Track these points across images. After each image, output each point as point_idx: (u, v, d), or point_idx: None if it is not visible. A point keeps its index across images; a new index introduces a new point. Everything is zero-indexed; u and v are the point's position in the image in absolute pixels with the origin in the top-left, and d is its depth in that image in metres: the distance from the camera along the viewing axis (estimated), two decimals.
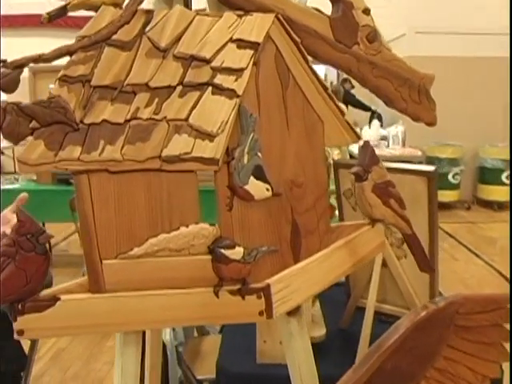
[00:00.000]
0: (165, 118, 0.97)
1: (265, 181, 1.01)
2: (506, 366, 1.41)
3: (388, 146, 8.49)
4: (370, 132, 8.59)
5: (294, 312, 1.10)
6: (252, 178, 1.00)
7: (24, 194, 1.48)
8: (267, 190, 1.02)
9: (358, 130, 1.25)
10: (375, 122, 8.80)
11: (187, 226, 0.97)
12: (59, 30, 7.54)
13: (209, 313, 0.99)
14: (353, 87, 8.70)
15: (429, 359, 1.24)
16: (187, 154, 0.93)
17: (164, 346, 2.44)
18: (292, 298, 1.04)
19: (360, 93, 8.57)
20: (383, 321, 1.94)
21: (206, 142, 0.94)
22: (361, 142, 1.27)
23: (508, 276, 5.33)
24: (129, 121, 0.96)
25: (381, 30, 1.20)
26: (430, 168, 1.90)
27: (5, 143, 7.53)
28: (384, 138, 8.60)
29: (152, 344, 1.43)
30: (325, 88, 1.16)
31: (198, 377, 2.55)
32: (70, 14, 1.09)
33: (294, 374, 1.15)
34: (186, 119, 0.96)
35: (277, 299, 1.00)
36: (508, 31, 7.11)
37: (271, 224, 1.08)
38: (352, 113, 8.19)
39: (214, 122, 0.96)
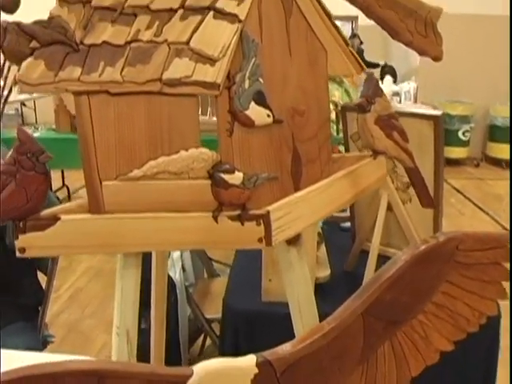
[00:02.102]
0: (166, 40, 0.96)
1: (266, 106, 1.01)
2: (503, 305, 1.43)
3: (400, 101, 8.43)
4: (383, 87, 8.51)
5: (294, 241, 1.10)
6: (253, 103, 0.99)
7: None
8: (268, 116, 1.01)
9: None
10: (388, 78, 8.73)
11: (187, 150, 0.97)
12: None
13: (208, 237, 1.00)
14: (361, 43, 8.61)
15: (427, 293, 1.25)
16: (188, 77, 0.92)
17: (174, 285, 2.48)
18: (291, 226, 1.04)
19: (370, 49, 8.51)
20: None
21: (207, 66, 0.93)
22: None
23: None
24: (129, 43, 0.96)
25: None
26: (437, 112, 1.90)
27: (26, 95, 7.56)
28: (396, 94, 8.55)
29: (157, 276, 1.45)
30: (329, 16, 1.14)
31: (207, 316, 2.61)
32: None
33: (292, 304, 1.15)
34: (187, 42, 0.95)
35: (276, 227, 1.00)
36: None
37: (272, 151, 1.07)
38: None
39: (215, 46, 0.95)
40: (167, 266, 1.54)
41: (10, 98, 6.64)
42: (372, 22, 1.18)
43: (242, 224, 0.99)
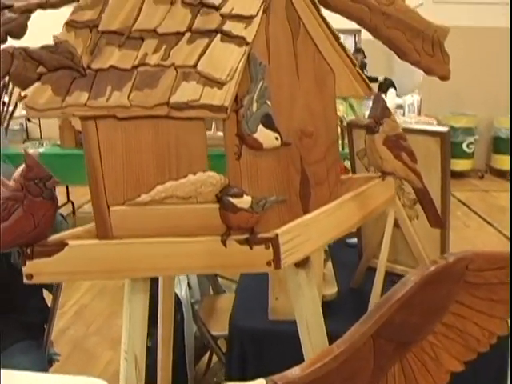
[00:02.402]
0: (173, 64, 0.95)
1: (274, 129, 1.00)
2: None
3: (404, 114, 8.43)
4: (386, 100, 8.51)
5: (302, 263, 1.10)
6: (261, 126, 0.99)
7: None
8: (276, 138, 1.01)
9: None
10: (392, 91, 8.73)
11: (195, 174, 0.97)
12: None
13: (216, 261, 0.99)
14: (365, 57, 8.64)
15: (437, 314, 1.24)
16: (195, 101, 0.92)
17: (180, 302, 2.47)
18: (300, 249, 1.03)
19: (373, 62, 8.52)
20: (394, 281, 1.94)
21: (214, 89, 0.93)
22: None
23: None
24: (136, 67, 0.95)
25: None
26: (444, 129, 1.89)
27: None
28: (400, 107, 8.54)
29: (164, 296, 1.44)
30: (336, 38, 1.14)
31: (213, 333, 2.60)
32: None
33: (301, 326, 1.15)
34: (195, 66, 0.95)
35: (285, 250, 0.99)
36: None
37: (280, 174, 1.07)
38: None
39: (222, 70, 0.94)
40: (174, 287, 1.53)
41: (15, 114, 6.70)
42: None
43: (251, 248, 0.98)
